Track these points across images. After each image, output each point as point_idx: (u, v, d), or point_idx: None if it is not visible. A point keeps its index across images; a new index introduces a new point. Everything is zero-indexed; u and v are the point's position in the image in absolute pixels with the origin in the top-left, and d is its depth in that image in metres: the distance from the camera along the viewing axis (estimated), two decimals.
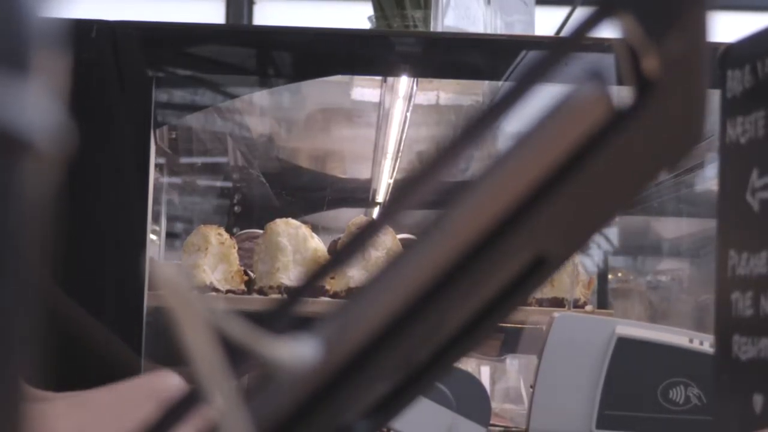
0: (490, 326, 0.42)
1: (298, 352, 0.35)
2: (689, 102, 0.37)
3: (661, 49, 0.34)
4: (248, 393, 0.36)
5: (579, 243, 0.43)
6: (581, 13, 0.34)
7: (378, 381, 0.39)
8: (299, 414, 0.38)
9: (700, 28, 0.35)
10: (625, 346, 1.04)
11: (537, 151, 0.36)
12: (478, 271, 0.37)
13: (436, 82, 1.70)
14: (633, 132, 0.36)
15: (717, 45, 0.64)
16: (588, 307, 2.16)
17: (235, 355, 0.35)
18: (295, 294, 0.37)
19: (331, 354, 0.36)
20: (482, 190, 0.36)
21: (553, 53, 0.34)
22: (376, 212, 2.51)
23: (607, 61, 0.36)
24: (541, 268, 0.40)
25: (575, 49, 0.34)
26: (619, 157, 0.37)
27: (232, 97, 1.59)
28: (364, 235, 0.36)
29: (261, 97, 1.93)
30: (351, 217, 1.95)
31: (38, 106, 0.21)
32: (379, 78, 1.75)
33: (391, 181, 2.20)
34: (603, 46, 0.34)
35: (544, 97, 0.35)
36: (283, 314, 0.36)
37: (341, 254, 0.36)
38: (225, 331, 0.34)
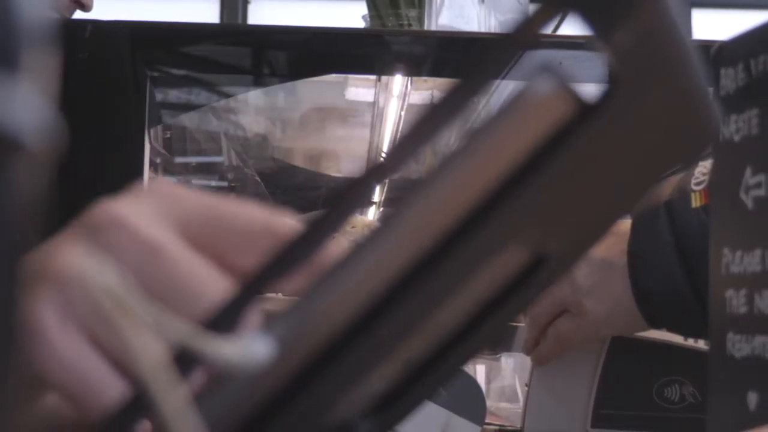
0: (495, 327, 0.42)
1: (248, 350, 0.33)
2: (670, 95, 0.37)
3: (611, 41, 0.34)
4: (199, 396, 0.34)
5: (583, 243, 0.43)
6: (533, 9, 0.33)
7: (356, 379, 0.38)
8: (263, 415, 0.36)
9: (656, 18, 0.34)
10: (620, 344, 1.04)
11: (498, 143, 0.35)
12: (456, 263, 0.36)
13: (431, 81, 1.70)
14: (604, 125, 0.35)
15: (710, 43, 0.64)
16: None
17: (184, 356, 0.33)
18: (247, 290, 0.35)
19: (288, 352, 0.35)
20: (448, 177, 0.35)
21: (497, 50, 0.33)
22: (372, 212, 2.51)
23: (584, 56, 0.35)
24: (541, 269, 0.40)
25: (522, 45, 0.33)
26: (599, 151, 0.37)
27: (227, 96, 1.59)
28: (318, 228, 0.34)
29: (255, 96, 1.93)
30: None
31: (30, 106, 0.21)
32: (373, 77, 1.75)
33: (386, 180, 2.19)
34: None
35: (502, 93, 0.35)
36: (235, 311, 0.35)
37: (291, 249, 0.34)
38: (167, 331, 0.33)
